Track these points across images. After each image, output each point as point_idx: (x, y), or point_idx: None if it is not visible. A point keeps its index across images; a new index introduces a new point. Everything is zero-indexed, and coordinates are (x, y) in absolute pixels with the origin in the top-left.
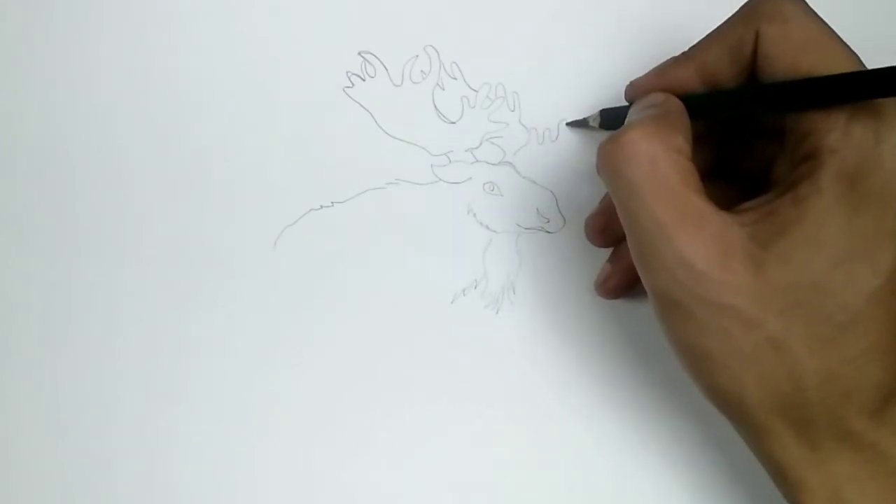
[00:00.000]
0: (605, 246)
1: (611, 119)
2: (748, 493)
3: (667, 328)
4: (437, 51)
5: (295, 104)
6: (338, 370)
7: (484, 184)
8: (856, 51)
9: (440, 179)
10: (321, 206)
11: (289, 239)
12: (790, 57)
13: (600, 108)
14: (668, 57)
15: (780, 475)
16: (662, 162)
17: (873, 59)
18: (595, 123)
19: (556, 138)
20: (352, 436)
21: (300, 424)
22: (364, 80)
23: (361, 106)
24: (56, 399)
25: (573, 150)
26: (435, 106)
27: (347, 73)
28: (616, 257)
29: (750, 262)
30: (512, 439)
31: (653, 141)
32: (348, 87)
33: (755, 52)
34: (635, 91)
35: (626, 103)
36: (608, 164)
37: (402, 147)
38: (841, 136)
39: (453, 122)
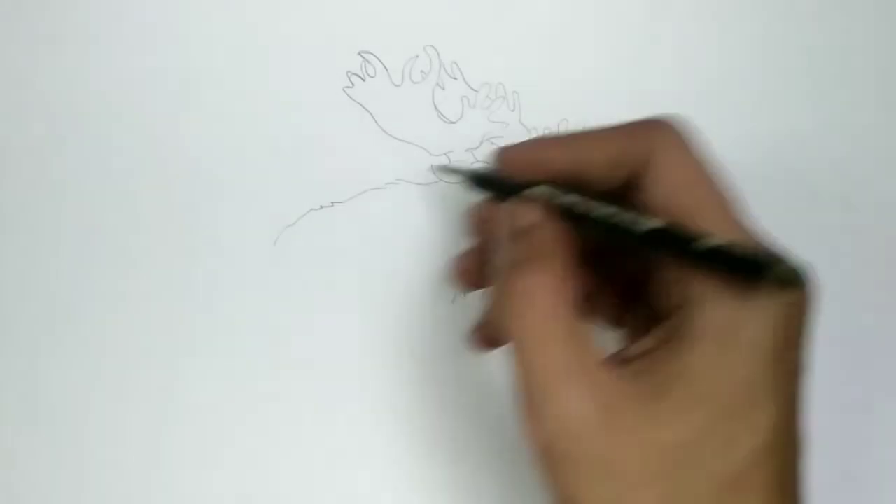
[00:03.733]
0: (476, 289)
1: (480, 183)
2: None
3: (550, 481)
4: (437, 51)
5: (295, 104)
6: (338, 370)
7: None
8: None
9: (440, 179)
10: (321, 206)
11: (289, 239)
12: (672, 192)
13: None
14: (667, 58)
15: None
16: (557, 311)
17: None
18: (460, 179)
19: None
20: (352, 436)
21: (300, 424)
22: (364, 80)
23: (361, 106)
24: (54, 399)
25: None
26: (435, 106)
27: (347, 73)
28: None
29: (635, 420)
30: (512, 438)
31: (547, 288)
32: (348, 87)
33: (634, 170)
34: (507, 162)
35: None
36: (499, 299)
37: (402, 147)
38: (711, 288)
39: (453, 122)
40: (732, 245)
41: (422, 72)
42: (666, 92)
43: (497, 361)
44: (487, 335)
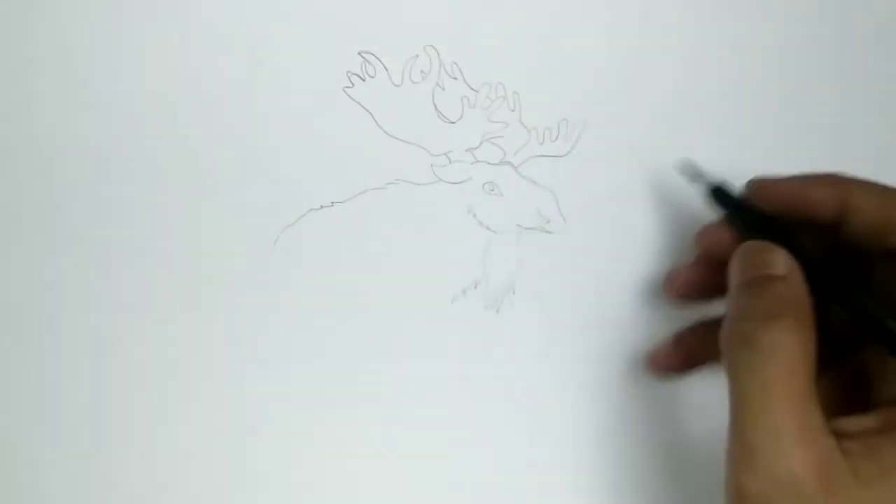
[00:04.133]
0: (690, 302)
1: (721, 199)
2: None
3: None
4: (437, 51)
5: (295, 104)
6: (338, 370)
7: (484, 184)
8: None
9: (440, 179)
10: (321, 206)
11: (289, 239)
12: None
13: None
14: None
15: None
16: (799, 370)
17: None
18: (705, 193)
19: (556, 138)
20: (351, 435)
21: (299, 424)
22: (364, 80)
23: (361, 106)
24: (54, 398)
25: (574, 149)
26: (435, 106)
27: (347, 73)
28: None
29: (850, 494)
30: (511, 439)
31: (794, 346)
32: (348, 87)
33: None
34: (768, 190)
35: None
36: (739, 347)
37: (402, 147)
38: None
39: (453, 122)
40: None
41: (422, 72)
42: (666, 92)
43: (497, 363)
44: (682, 359)
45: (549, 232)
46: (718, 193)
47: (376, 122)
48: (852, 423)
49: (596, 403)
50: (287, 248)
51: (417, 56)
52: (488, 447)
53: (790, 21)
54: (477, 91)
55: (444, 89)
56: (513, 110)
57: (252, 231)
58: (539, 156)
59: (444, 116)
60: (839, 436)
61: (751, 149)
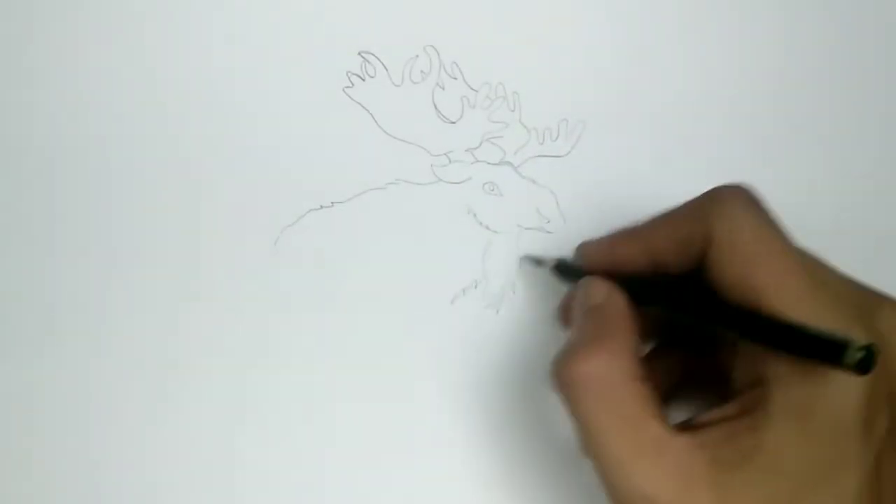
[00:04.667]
0: None
1: (564, 272)
2: None
3: None
4: (437, 51)
5: (295, 104)
6: (338, 370)
7: (484, 184)
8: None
9: (440, 179)
10: (321, 206)
11: (289, 239)
12: (738, 268)
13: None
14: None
15: None
16: (615, 392)
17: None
18: (548, 268)
19: (556, 138)
20: (351, 435)
21: (299, 424)
22: (364, 80)
23: (361, 106)
24: (53, 398)
25: (573, 149)
26: (435, 106)
27: (347, 73)
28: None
29: (714, 489)
30: (511, 439)
31: (603, 368)
32: (348, 87)
33: (702, 250)
34: (586, 258)
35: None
36: (562, 390)
37: (402, 147)
38: (787, 367)
39: (453, 122)
40: (804, 328)
41: (422, 72)
42: (666, 92)
43: (497, 363)
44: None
45: (549, 232)
46: (560, 268)
47: (376, 122)
48: (714, 413)
49: None
50: (287, 248)
51: (417, 56)
52: (488, 446)
53: (790, 21)
54: (477, 91)
55: (444, 89)
56: (513, 110)
57: (252, 231)
58: (539, 156)
59: (444, 116)
60: (701, 428)
61: (750, 148)
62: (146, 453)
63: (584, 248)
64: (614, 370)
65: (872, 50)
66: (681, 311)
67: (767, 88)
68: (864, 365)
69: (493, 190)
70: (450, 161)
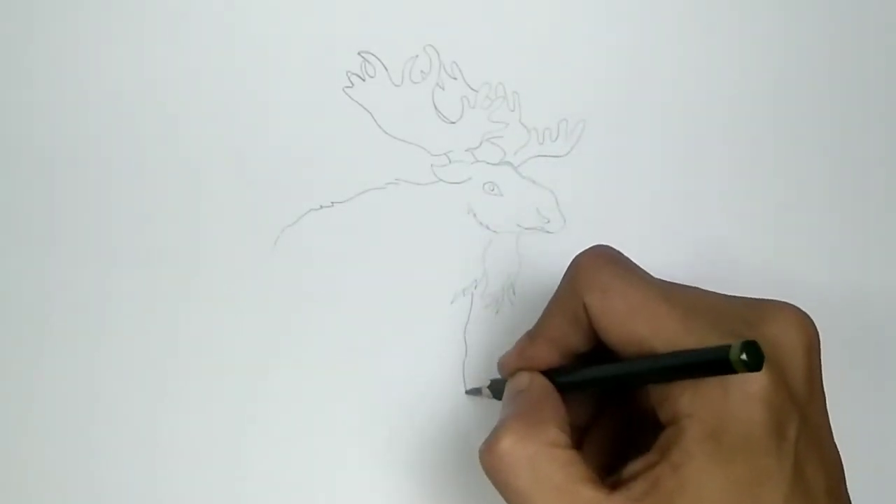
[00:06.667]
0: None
1: (499, 390)
2: None
3: None
4: (437, 51)
5: (295, 104)
6: (337, 370)
7: (484, 184)
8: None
9: (440, 179)
10: (321, 206)
11: (289, 239)
12: (618, 327)
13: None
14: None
15: None
16: (542, 463)
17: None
18: (488, 394)
19: (556, 138)
20: (350, 435)
21: (299, 424)
22: (364, 80)
23: (361, 106)
24: (54, 398)
25: (573, 149)
26: (435, 106)
27: (347, 73)
28: None
29: None
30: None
31: (527, 444)
32: (348, 87)
33: (589, 320)
34: (505, 371)
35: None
36: (492, 475)
37: (402, 147)
38: (691, 398)
39: (453, 122)
40: (688, 352)
41: (422, 72)
42: (666, 92)
43: (494, 359)
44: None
45: (549, 232)
46: (493, 388)
47: (376, 122)
48: (638, 464)
49: None
50: (287, 248)
51: (417, 56)
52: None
53: (790, 21)
54: (477, 91)
55: (444, 89)
56: (513, 110)
57: (252, 231)
58: (539, 156)
59: (444, 116)
60: (631, 481)
61: (750, 148)
62: (145, 453)
63: (500, 362)
64: (537, 442)
65: (872, 50)
66: (591, 384)
67: (767, 88)
68: (753, 361)
69: (493, 190)
70: (450, 161)
